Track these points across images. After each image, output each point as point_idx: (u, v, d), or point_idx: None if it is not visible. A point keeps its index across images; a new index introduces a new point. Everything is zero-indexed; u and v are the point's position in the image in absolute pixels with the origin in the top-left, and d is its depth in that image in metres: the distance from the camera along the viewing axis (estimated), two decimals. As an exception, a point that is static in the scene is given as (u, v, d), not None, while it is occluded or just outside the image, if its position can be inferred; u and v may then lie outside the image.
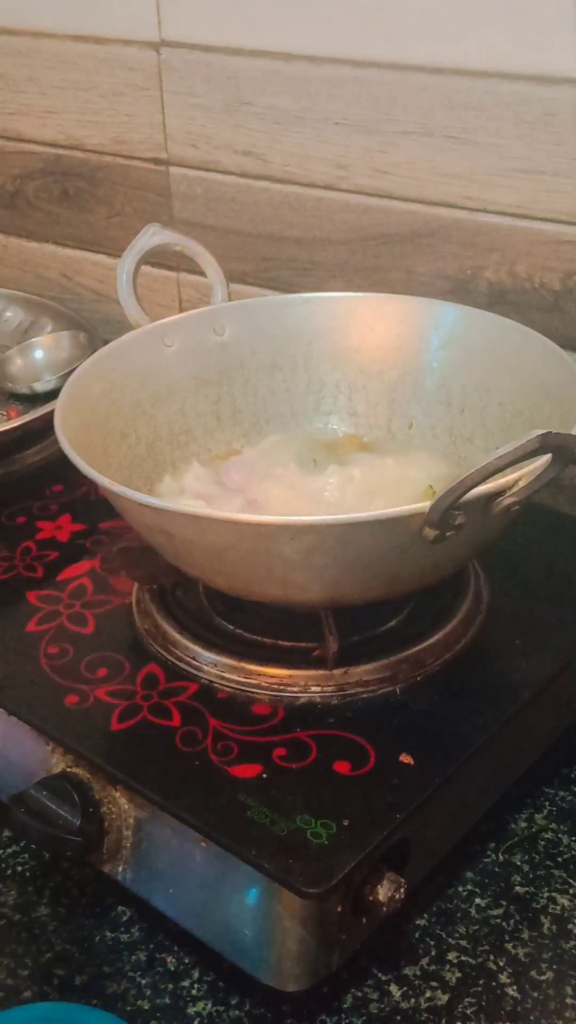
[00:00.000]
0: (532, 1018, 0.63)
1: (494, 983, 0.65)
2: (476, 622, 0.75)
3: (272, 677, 0.70)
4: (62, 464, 0.69)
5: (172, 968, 0.67)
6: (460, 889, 0.71)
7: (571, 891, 0.70)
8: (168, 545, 0.68)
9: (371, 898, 0.60)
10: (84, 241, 1.17)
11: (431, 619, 0.74)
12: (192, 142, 1.02)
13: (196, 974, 0.66)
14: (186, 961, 0.67)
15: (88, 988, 0.65)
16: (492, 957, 0.66)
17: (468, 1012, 0.63)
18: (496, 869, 0.72)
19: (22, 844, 0.74)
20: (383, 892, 0.60)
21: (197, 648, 0.72)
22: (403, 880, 0.60)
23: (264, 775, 0.63)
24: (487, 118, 0.85)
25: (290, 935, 0.61)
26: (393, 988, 0.65)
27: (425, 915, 0.69)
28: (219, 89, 0.98)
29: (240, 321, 0.86)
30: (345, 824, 0.60)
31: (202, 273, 0.87)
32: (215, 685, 0.70)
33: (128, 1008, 0.64)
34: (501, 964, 0.66)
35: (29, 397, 1.01)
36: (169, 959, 0.67)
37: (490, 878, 0.71)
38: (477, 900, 0.70)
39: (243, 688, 0.69)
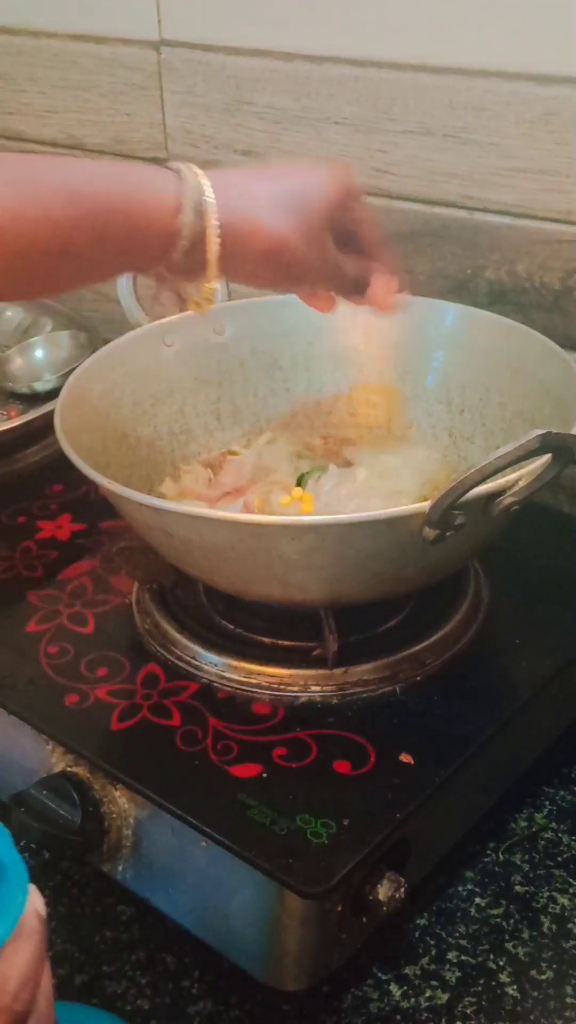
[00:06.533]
0: (532, 1018, 0.63)
1: (494, 982, 0.65)
2: (476, 622, 0.75)
3: (272, 676, 0.70)
4: (62, 464, 0.69)
5: (172, 968, 0.67)
6: (460, 889, 0.71)
7: (571, 891, 0.70)
8: (168, 545, 0.68)
9: (371, 898, 0.60)
10: (84, 241, 1.16)
11: (431, 619, 0.74)
12: (192, 142, 1.02)
13: (196, 974, 0.66)
14: (186, 961, 0.67)
15: (88, 988, 0.65)
16: (492, 957, 0.66)
17: (468, 1012, 0.63)
18: (496, 869, 0.72)
19: (22, 844, 0.74)
20: (383, 892, 0.60)
21: (197, 648, 0.72)
22: (403, 880, 0.60)
23: (264, 774, 0.63)
24: (487, 117, 0.85)
25: (290, 935, 0.61)
26: (393, 988, 0.65)
27: (425, 915, 0.69)
28: (219, 89, 0.98)
29: (240, 321, 0.86)
30: (345, 824, 0.60)
31: (202, 273, 0.87)
32: (215, 685, 0.70)
33: (128, 1008, 0.64)
34: (501, 964, 0.66)
35: (29, 397, 1.00)
36: (169, 959, 0.67)
37: (490, 878, 0.71)
38: (477, 900, 0.70)
39: (243, 688, 0.69)
